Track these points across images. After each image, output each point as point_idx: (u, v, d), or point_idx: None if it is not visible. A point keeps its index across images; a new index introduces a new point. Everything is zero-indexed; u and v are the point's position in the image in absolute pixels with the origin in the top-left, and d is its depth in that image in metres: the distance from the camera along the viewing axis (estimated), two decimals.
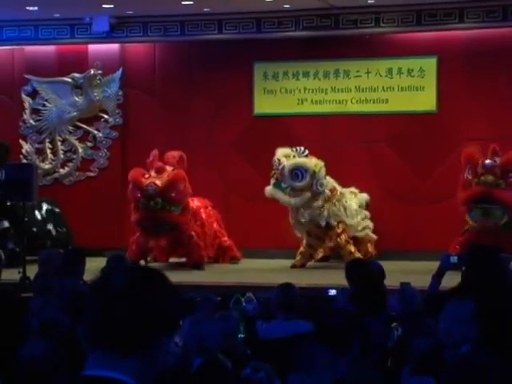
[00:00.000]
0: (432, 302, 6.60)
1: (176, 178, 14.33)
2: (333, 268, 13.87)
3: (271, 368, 5.29)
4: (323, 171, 14.36)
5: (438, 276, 7.24)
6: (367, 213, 15.11)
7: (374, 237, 15.03)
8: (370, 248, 14.96)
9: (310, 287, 11.17)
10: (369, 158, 15.60)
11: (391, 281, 8.22)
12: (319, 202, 14.35)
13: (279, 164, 14.37)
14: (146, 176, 14.41)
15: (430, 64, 15.63)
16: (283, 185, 14.34)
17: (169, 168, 14.59)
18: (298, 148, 14.60)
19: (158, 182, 14.15)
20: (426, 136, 15.43)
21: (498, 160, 13.55)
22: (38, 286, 7.94)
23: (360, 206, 15.02)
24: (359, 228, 14.94)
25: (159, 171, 14.42)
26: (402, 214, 15.47)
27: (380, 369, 5.75)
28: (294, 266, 14.57)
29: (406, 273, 12.72)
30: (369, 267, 7.72)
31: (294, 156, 14.53)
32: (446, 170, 15.13)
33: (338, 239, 14.56)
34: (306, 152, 14.56)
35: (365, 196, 15.08)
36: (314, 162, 14.38)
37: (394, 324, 6.98)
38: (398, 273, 11.77)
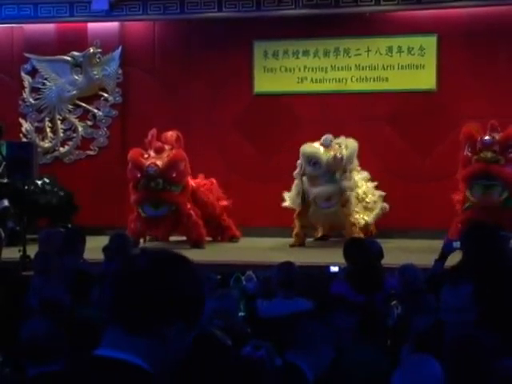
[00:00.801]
0: (433, 280, 6.61)
1: (176, 158, 14.33)
2: (332, 246, 13.88)
3: (272, 346, 5.30)
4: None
5: (441, 260, 7.26)
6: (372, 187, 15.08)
7: (386, 206, 14.92)
8: (371, 227, 14.95)
9: (309, 265, 11.17)
10: (369, 136, 15.56)
11: (392, 259, 8.24)
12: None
13: (339, 161, 14.03)
14: (146, 156, 14.40)
15: (430, 42, 15.60)
16: (345, 173, 14.25)
17: (167, 148, 14.57)
18: (323, 141, 14.32)
19: (159, 163, 14.13)
20: (425, 114, 15.43)
21: (497, 136, 13.52)
22: (38, 265, 7.96)
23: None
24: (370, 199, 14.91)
25: (158, 151, 14.40)
26: (402, 192, 15.45)
27: (380, 346, 5.77)
28: (292, 246, 14.57)
29: (407, 251, 12.77)
30: (367, 247, 7.73)
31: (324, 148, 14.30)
32: (446, 149, 15.11)
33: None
34: (329, 138, 14.36)
35: (365, 174, 15.03)
36: (352, 141, 14.36)
37: (394, 302, 7.00)
38: (398, 251, 11.82)
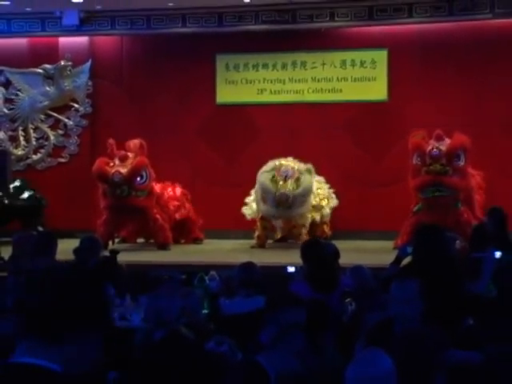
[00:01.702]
0: (387, 282, 6.65)
1: (139, 165, 14.31)
2: (290, 248, 13.90)
3: (233, 342, 5.30)
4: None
5: (395, 264, 7.30)
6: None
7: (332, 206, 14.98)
8: (326, 229, 14.96)
9: (268, 265, 11.17)
10: (325, 143, 15.63)
11: (346, 259, 8.25)
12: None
13: (285, 195, 13.95)
14: (111, 165, 14.36)
15: (381, 56, 15.69)
16: (294, 205, 14.13)
17: (131, 155, 14.53)
18: (282, 172, 14.22)
19: (123, 171, 14.10)
20: (377, 123, 15.50)
21: (442, 147, 13.59)
22: (12, 267, 7.90)
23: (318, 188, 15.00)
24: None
25: (123, 159, 14.39)
26: (356, 196, 15.53)
27: (336, 341, 5.78)
28: (253, 247, 14.56)
29: (360, 252, 12.81)
30: (323, 248, 7.74)
31: (279, 179, 14.18)
32: (397, 155, 15.19)
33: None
34: (290, 171, 14.25)
35: (320, 178, 15.04)
36: (308, 174, 14.33)
37: (348, 299, 7.02)
38: (352, 252, 11.84)
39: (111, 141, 14.65)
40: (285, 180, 14.16)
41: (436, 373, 4.36)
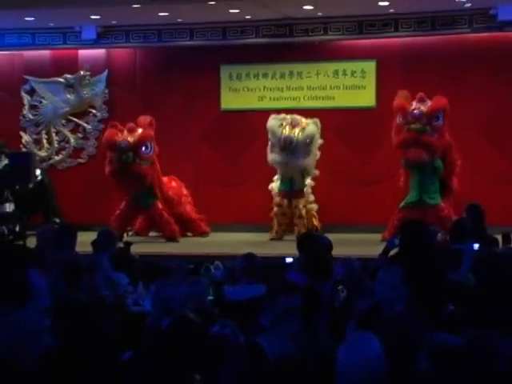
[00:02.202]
0: (375, 271, 6.64)
1: (146, 136, 14.40)
2: (286, 241, 13.96)
3: (236, 325, 5.29)
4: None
5: (383, 255, 7.29)
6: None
7: (315, 207, 14.93)
8: (315, 222, 14.88)
9: (268, 256, 11.15)
10: (318, 146, 15.59)
11: (338, 251, 8.24)
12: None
13: (289, 139, 14.04)
14: (120, 135, 14.41)
15: (370, 67, 15.65)
16: (299, 153, 14.15)
17: (140, 129, 14.55)
18: (291, 119, 14.36)
19: (130, 139, 14.14)
20: (366, 127, 15.47)
21: (424, 108, 13.57)
22: (38, 258, 7.87)
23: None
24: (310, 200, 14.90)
25: (131, 131, 14.37)
26: (346, 194, 15.51)
27: (329, 325, 5.77)
28: (273, 239, 14.52)
29: (351, 244, 12.79)
30: (317, 240, 7.73)
31: (286, 125, 14.26)
32: (383, 156, 15.19)
33: (300, 210, 14.44)
34: (297, 119, 14.40)
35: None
36: (315, 125, 14.41)
37: (340, 287, 7.01)
38: (342, 244, 11.83)
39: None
40: (292, 127, 14.23)
41: (419, 353, 4.34)
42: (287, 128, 14.22)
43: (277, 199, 14.62)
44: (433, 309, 5.54)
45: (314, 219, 14.92)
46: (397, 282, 5.33)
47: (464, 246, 7.73)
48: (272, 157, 14.36)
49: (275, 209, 14.62)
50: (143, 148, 14.29)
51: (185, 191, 15.35)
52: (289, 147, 14.06)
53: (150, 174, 14.38)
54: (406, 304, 5.27)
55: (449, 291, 6.28)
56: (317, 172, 14.89)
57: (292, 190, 14.50)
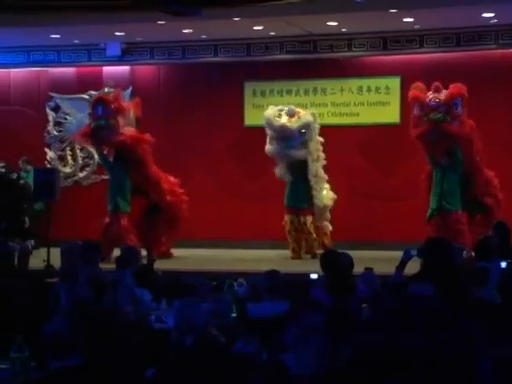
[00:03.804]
0: (397, 287, 6.60)
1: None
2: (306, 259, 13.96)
3: (259, 342, 5.29)
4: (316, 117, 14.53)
5: (400, 267, 7.26)
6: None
7: (329, 227, 14.72)
8: (326, 240, 14.64)
9: (292, 273, 11.15)
10: (342, 162, 15.58)
11: (358, 268, 8.21)
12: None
13: (283, 127, 14.05)
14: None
15: (395, 83, 15.65)
16: (294, 143, 14.13)
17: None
18: (288, 109, 14.38)
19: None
20: (390, 144, 15.45)
21: (441, 96, 13.29)
22: (63, 273, 7.91)
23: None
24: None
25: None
26: (369, 210, 15.48)
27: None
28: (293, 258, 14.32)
29: (369, 261, 12.69)
30: (339, 258, 7.72)
31: (283, 115, 14.28)
32: (407, 173, 15.15)
33: (309, 229, 14.30)
34: (295, 109, 14.41)
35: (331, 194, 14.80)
36: (310, 116, 14.38)
37: (364, 304, 6.99)
38: (362, 261, 11.78)
39: None
40: (289, 117, 14.21)
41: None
42: (284, 118, 14.24)
43: (286, 216, 14.48)
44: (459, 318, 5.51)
45: (325, 238, 14.69)
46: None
47: (490, 263, 7.69)
48: (268, 148, 14.42)
49: (287, 226, 14.45)
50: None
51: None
52: (284, 136, 14.05)
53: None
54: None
55: (474, 309, 6.24)
56: (325, 179, 14.61)
57: (299, 206, 14.35)
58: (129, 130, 14.41)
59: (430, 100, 13.30)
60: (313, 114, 14.47)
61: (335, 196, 14.71)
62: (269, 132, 14.43)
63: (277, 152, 14.34)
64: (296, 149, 14.19)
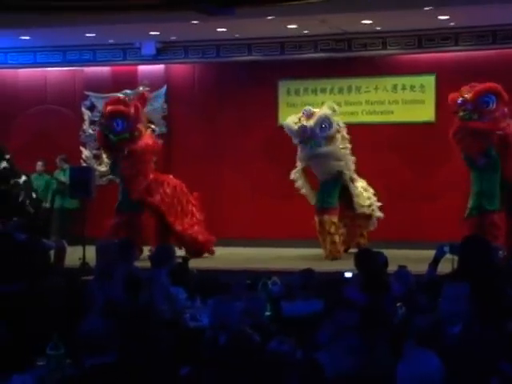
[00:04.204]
0: (432, 285, 6.57)
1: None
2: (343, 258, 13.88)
3: (294, 341, 5.28)
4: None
5: (434, 264, 7.23)
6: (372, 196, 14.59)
7: (380, 215, 14.50)
8: (363, 241, 14.47)
9: (326, 271, 11.11)
10: (376, 161, 15.52)
11: (392, 267, 8.18)
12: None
13: (303, 128, 13.75)
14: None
15: (430, 81, 15.56)
16: (318, 140, 13.85)
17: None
18: (304, 111, 14.09)
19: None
20: (425, 142, 15.36)
21: (468, 96, 13.14)
22: (99, 271, 7.95)
23: (366, 190, 14.57)
24: (366, 203, 14.41)
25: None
26: (405, 209, 15.38)
27: (387, 341, 5.73)
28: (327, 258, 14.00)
29: (404, 260, 12.64)
30: (375, 256, 7.70)
31: (303, 118, 13.96)
32: (443, 172, 15.07)
33: (332, 229, 13.96)
34: (312, 109, 14.11)
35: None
36: (328, 108, 14.11)
37: (399, 304, 6.96)
38: (397, 260, 11.74)
39: None
40: (307, 118, 13.94)
41: (492, 378, 4.27)
42: (302, 120, 13.96)
43: (315, 217, 14.21)
44: (494, 326, 5.46)
45: (361, 239, 14.55)
46: (462, 298, 5.28)
47: None
48: (299, 155, 14.19)
49: (317, 227, 14.19)
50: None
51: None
52: (305, 137, 13.81)
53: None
54: (468, 322, 5.21)
55: (509, 309, 6.19)
56: (355, 177, 14.41)
57: (323, 206, 14.06)
58: (146, 136, 14.40)
59: (458, 99, 13.22)
60: (330, 106, 14.15)
61: (371, 196, 14.60)
62: (294, 140, 14.22)
63: (306, 156, 14.06)
64: (322, 145, 13.89)
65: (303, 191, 14.54)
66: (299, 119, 14.05)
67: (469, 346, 4.35)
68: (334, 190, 14.24)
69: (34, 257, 8.59)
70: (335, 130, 14.04)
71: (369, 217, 14.55)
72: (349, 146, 14.35)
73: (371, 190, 14.60)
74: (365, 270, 7.34)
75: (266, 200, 16.08)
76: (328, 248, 14.00)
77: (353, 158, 14.36)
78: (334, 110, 14.17)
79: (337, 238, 14.01)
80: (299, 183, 14.53)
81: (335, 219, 14.09)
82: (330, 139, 14.00)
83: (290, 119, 14.21)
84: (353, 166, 14.31)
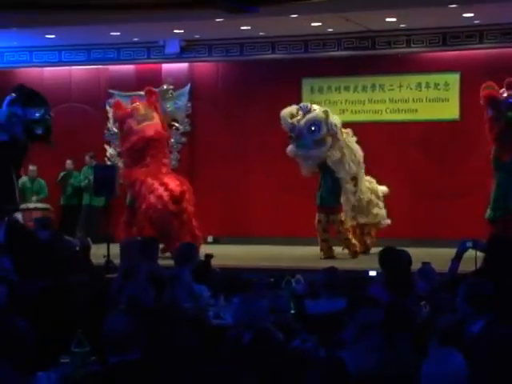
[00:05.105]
0: (456, 283, 6.53)
1: None
2: (369, 254, 13.79)
3: (317, 339, 5.28)
4: (330, 114, 13.78)
5: (456, 259, 7.21)
6: (380, 203, 14.29)
7: (387, 222, 14.24)
8: (369, 240, 14.22)
9: (350, 270, 11.09)
10: (400, 159, 15.50)
11: (416, 265, 8.14)
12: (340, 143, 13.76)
13: (292, 126, 13.62)
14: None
15: (454, 79, 15.49)
16: (305, 141, 13.59)
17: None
18: (302, 105, 13.96)
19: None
20: (450, 140, 15.30)
21: None
22: (123, 269, 7.98)
23: (374, 193, 14.27)
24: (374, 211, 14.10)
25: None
26: (428, 207, 15.34)
27: (411, 340, 5.71)
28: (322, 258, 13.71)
29: (428, 258, 12.57)
30: (399, 255, 7.67)
31: (300, 113, 13.76)
32: (467, 170, 15.00)
33: (340, 227, 13.77)
34: (309, 106, 13.92)
35: (382, 188, 14.38)
36: (321, 112, 13.73)
37: (423, 302, 6.94)
38: (421, 258, 11.70)
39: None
40: (304, 114, 13.73)
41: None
42: (299, 114, 13.73)
43: (317, 214, 14.03)
44: None
45: (368, 238, 14.32)
46: (483, 298, 5.25)
47: None
48: (288, 149, 13.97)
49: (316, 225, 14.00)
50: None
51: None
52: (293, 134, 13.60)
53: None
54: (489, 320, 5.18)
55: None
56: (363, 178, 14.10)
57: (328, 205, 13.86)
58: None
59: (505, 98, 12.92)
60: (325, 112, 13.75)
61: (381, 192, 14.35)
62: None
63: (293, 153, 13.90)
64: (309, 147, 13.61)
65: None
66: (297, 112, 13.82)
67: (491, 345, 4.32)
68: (332, 188, 13.95)
69: (57, 254, 8.62)
70: (325, 134, 13.63)
71: (376, 225, 14.35)
72: (352, 146, 14.01)
73: (381, 189, 14.33)
74: (389, 269, 7.31)
75: (290, 198, 16.06)
76: (343, 246, 13.81)
77: (358, 160, 13.97)
78: (327, 116, 13.70)
79: (350, 235, 13.82)
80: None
81: (335, 218, 13.83)
82: (319, 142, 13.64)
83: (288, 110, 13.90)
84: (353, 169, 13.91)
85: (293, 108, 13.99)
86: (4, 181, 13.15)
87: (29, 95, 13.23)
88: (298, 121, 13.70)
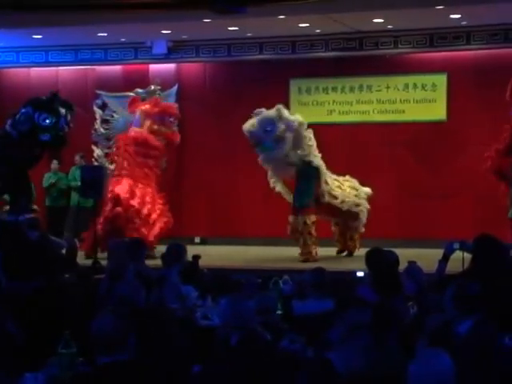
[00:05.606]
0: (443, 283, 6.56)
1: None
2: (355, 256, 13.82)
3: (305, 340, 5.28)
4: (284, 111, 13.55)
5: (444, 261, 7.23)
6: (365, 203, 14.12)
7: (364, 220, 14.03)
8: (352, 244, 14.07)
9: (338, 271, 11.11)
10: (388, 160, 15.53)
11: (403, 266, 8.17)
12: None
13: (250, 133, 13.42)
14: None
15: (441, 80, 15.53)
16: (266, 144, 13.32)
17: None
18: (255, 113, 13.65)
19: None
20: (437, 141, 15.34)
21: None
22: (111, 270, 7.97)
23: (354, 189, 14.09)
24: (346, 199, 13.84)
25: None
26: (416, 207, 15.37)
27: (398, 340, 5.73)
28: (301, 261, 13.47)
29: (416, 259, 12.59)
30: (386, 255, 7.69)
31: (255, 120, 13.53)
32: (455, 170, 15.05)
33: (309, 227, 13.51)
34: (262, 110, 13.61)
35: (366, 189, 14.21)
36: (273, 110, 13.46)
37: (410, 303, 6.95)
38: (408, 259, 11.72)
39: None
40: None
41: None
42: (254, 121, 13.43)
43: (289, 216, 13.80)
44: (507, 326, 5.45)
45: (350, 242, 14.14)
46: (470, 298, 5.27)
47: None
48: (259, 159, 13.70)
49: (288, 227, 13.81)
50: None
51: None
52: (254, 141, 13.36)
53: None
54: (477, 320, 5.20)
55: None
56: (328, 177, 13.91)
57: (297, 205, 13.64)
58: None
59: None
60: (277, 109, 13.45)
61: (364, 194, 14.21)
62: None
63: (262, 160, 13.67)
64: (271, 148, 13.32)
65: (281, 191, 14.23)
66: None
67: (478, 345, 4.34)
68: (308, 188, 13.69)
69: (46, 255, 8.61)
70: (283, 131, 13.33)
71: (356, 216, 14.09)
72: (312, 143, 13.82)
73: (365, 191, 14.25)
74: (376, 269, 7.33)
75: (278, 199, 16.03)
76: (302, 247, 13.59)
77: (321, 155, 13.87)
78: (279, 113, 13.43)
79: (308, 239, 13.55)
80: (277, 186, 14.22)
81: (308, 219, 13.63)
82: (279, 140, 13.33)
83: (249, 123, 13.57)
84: (322, 164, 13.79)
85: (252, 120, 13.66)
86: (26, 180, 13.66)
87: (47, 101, 13.39)
88: (253, 125, 13.46)
